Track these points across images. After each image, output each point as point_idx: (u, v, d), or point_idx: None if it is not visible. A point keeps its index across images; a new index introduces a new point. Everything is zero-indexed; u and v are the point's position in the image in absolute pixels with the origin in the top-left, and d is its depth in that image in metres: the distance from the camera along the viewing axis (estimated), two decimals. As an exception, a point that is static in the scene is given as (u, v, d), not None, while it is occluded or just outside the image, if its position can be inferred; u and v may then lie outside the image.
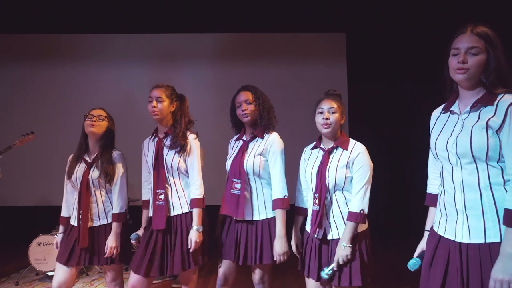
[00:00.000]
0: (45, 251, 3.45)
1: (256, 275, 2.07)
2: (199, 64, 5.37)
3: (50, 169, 4.86)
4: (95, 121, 2.15)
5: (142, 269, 1.97)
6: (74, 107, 5.23)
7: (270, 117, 2.09)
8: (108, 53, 5.43)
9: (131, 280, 2.03)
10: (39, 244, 3.47)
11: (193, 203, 2.04)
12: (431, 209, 1.55)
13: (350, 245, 1.74)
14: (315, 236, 1.85)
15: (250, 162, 2.02)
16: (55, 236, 3.49)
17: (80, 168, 2.16)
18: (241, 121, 2.12)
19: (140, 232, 2.17)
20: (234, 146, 2.17)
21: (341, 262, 1.73)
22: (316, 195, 1.82)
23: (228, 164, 2.10)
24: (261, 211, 2.03)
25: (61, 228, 2.28)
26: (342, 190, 1.83)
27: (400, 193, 5.10)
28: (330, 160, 1.84)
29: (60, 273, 2.11)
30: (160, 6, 5.07)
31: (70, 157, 2.27)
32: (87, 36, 5.37)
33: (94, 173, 2.14)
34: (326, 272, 1.74)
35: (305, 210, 1.97)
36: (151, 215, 2.09)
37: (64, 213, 2.28)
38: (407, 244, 2.02)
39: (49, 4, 4.92)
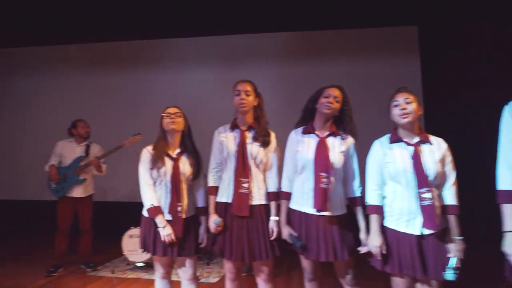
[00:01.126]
0: (136, 243, 3.74)
1: (343, 269, 2.10)
2: (264, 64, 5.47)
3: (132, 168, 5.30)
4: (173, 118, 2.26)
5: (236, 254, 2.09)
6: (150, 109, 5.61)
7: (352, 119, 2.16)
8: (176, 57, 5.76)
9: (227, 265, 2.18)
10: (131, 237, 3.78)
11: (271, 196, 2.16)
12: (507, 206, 1.47)
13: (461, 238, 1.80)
14: (422, 233, 1.83)
15: (336, 158, 2.06)
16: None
17: (167, 163, 2.24)
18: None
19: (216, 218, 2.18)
20: (305, 141, 2.13)
21: (462, 257, 1.77)
22: (424, 190, 1.81)
23: (307, 158, 2.08)
24: (337, 206, 2.07)
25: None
26: (435, 185, 1.86)
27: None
28: (421, 154, 1.85)
29: (163, 263, 2.30)
30: (223, 8, 5.16)
31: (147, 154, 2.29)
32: (156, 42, 5.75)
33: (183, 167, 2.25)
34: (453, 272, 1.72)
35: (381, 208, 1.95)
36: (221, 200, 2.19)
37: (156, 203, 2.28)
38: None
39: (125, 12, 5.24)
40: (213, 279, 3.55)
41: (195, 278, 2.33)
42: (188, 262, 2.29)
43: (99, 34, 5.64)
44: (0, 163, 5.97)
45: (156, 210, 2.20)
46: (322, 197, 1.99)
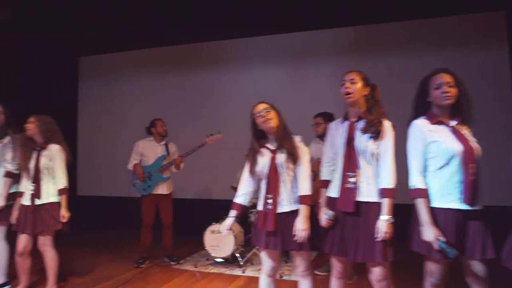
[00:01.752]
0: (218, 239, 3.81)
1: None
2: (332, 60, 5.37)
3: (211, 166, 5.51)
4: (265, 115, 2.20)
5: (339, 250, 2.00)
6: (227, 107, 5.77)
7: (470, 98, 1.98)
8: (249, 55, 5.83)
9: (333, 262, 2.10)
10: (213, 232, 3.85)
11: (384, 192, 1.95)
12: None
13: None
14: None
15: (476, 147, 1.95)
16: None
17: (265, 156, 2.22)
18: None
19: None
20: (439, 131, 1.97)
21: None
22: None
23: (455, 148, 1.91)
24: (480, 200, 1.90)
25: (234, 213, 2.32)
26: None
27: None
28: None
29: (270, 257, 2.24)
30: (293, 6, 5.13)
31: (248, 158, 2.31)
32: (234, 41, 5.89)
33: (280, 158, 2.18)
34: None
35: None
36: (330, 195, 2.10)
37: (239, 200, 2.33)
38: None
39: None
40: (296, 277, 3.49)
41: (308, 274, 2.24)
42: (298, 258, 2.20)
43: (178, 37, 5.89)
44: (92, 162, 6.44)
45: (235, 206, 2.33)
46: (472, 190, 1.84)
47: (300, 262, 2.21)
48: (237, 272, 3.67)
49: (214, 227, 3.87)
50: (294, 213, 2.16)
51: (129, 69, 6.50)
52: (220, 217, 3.97)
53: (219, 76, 5.95)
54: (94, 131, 6.55)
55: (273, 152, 2.23)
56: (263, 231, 2.17)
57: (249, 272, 3.65)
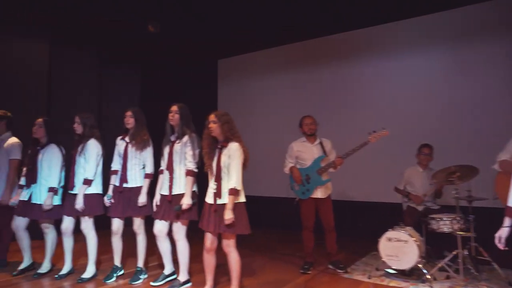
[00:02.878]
0: (397, 248, 3.30)
1: None
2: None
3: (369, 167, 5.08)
4: None
5: None
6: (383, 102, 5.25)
7: None
8: (395, 41, 5.18)
9: None
10: (390, 240, 3.36)
11: None
12: None
13: None
14: None
15: None
16: (402, 231, 3.32)
17: None
18: None
19: None
20: None
21: None
22: None
23: None
24: None
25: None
26: None
27: None
28: None
29: None
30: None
31: None
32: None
33: None
34: None
35: None
36: None
37: None
38: None
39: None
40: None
41: None
42: None
43: (314, 30, 5.64)
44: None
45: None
46: None
47: None
48: (422, 287, 3.12)
49: (391, 234, 3.37)
50: None
51: (264, 68, 6.44)
52: (395, 223, 3.47)
53: (361, 69, 5.45)
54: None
55: None
56: None
57: (438, 288, 3.07)
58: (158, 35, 5.82)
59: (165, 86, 7.20)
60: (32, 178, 3.44)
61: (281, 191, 5.58)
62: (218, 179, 2.78)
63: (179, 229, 3.11)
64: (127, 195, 3.34)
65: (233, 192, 2.67)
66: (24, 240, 3.55)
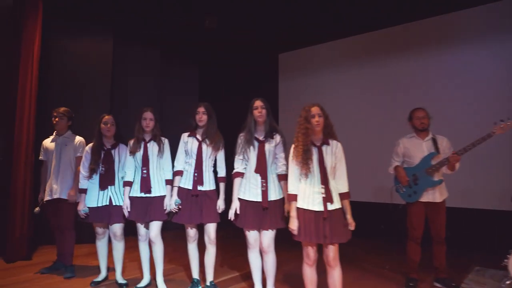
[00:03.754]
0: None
1: None
2: None
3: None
4: None
5: None
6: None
7: None
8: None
9: None
10: (523, 256, 2.78)
11: None
12: None
13: None
14: None
15: None
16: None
17: None
18: None
19: None
20: None
21: None
22: None
23: None
24: None
25: None
26: None
27: None
28: None
29: None
30: None
31: None
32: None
33: None
34: None
35: None
36: None
37: None
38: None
39: None
40: None
41: None
42: None
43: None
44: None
45: None
46: None
47: None
48: None
49: (524, 249, 2.79)
50: None
51: (326, 61, 5.96)
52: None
53: (439, 56, 4.83)
54: (293, 128, 6.19)
55: None
56: None
57: None
58: (216, 31, 5.56)
59: (223, 82, 6.94)
60: (109, 180, 3.17)
61: (365, 195, 5.09)
62: (326, 182, 2.36)
63: (272, 240, 2.73)
64: (200, 199, 2.93)
65: (348, 196, 2.37)
66: (119, 251, 3.25)
